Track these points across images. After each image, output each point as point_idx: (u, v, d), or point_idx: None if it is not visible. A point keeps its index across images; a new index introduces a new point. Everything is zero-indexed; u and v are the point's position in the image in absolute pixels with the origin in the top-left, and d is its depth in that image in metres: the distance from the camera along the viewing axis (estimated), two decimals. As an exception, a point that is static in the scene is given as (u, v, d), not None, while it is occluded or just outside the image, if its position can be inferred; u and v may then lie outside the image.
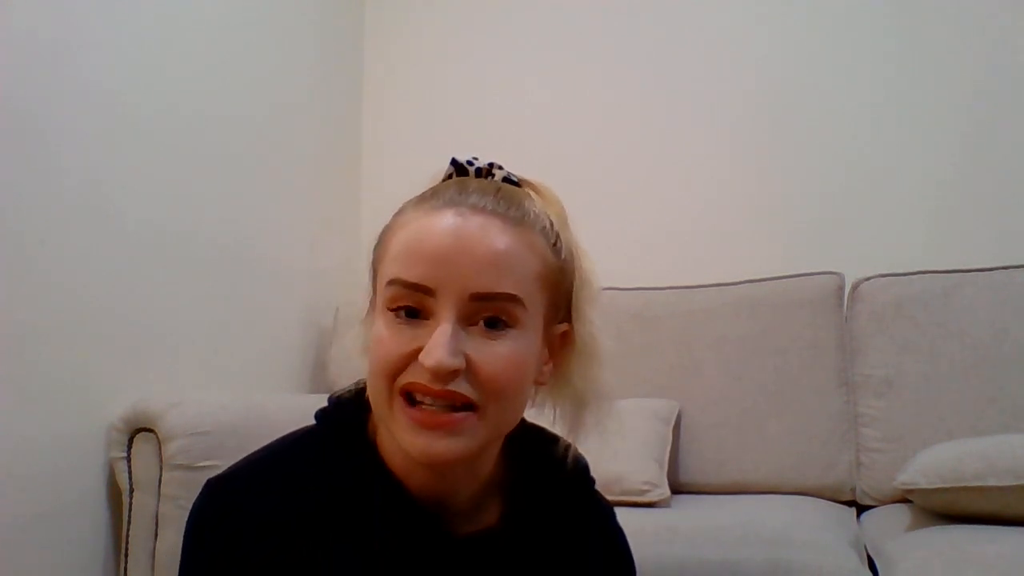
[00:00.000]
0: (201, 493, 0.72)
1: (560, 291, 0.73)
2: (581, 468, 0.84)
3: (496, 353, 0.67)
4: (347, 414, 0.77)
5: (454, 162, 0.76)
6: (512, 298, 0.68)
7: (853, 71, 2.25)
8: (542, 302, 0.71)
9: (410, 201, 0.74)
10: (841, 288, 1.99)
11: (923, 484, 1.43)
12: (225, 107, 2.05)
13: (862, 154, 2.22)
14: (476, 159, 0.76)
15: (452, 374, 0.65)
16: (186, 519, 0.72)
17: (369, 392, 0.71)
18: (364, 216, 2.60)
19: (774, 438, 1.90)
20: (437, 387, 0.65)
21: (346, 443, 0.74)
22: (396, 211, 0.75)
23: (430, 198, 0.72)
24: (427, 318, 0.67)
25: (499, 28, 2.61)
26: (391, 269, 0.69)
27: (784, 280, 2.03)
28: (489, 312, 0.67)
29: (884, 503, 1.78)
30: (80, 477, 1.60)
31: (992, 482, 1.37)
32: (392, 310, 0.68)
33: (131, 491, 1.59)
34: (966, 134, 2.13)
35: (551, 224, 0.73)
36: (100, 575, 1.62)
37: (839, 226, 2.21)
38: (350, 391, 0.79)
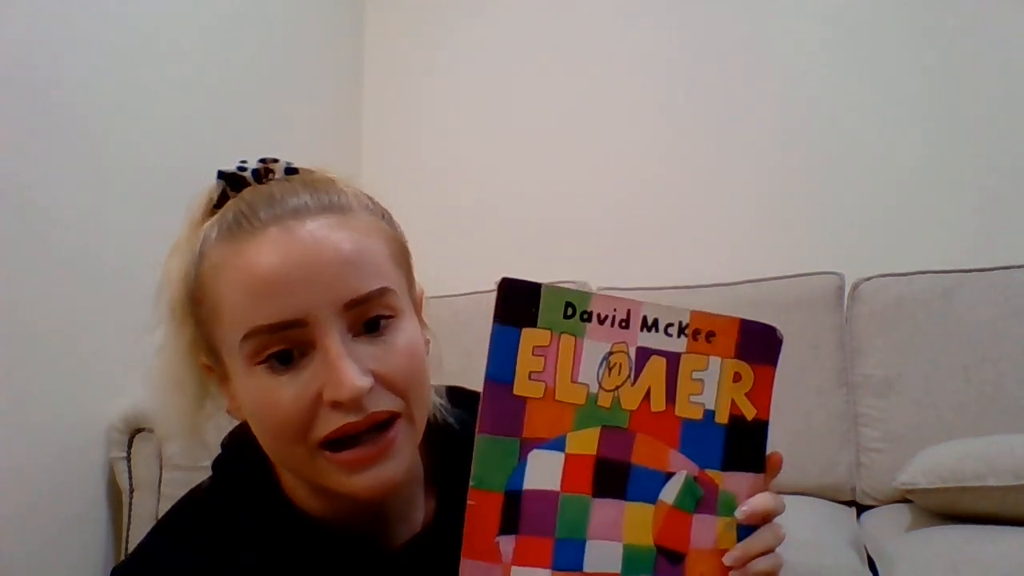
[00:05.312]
0: None
1: (408, 259, 0.68)
2: (465, 397, 0.75)
3: (394, 351, 0.61)
4: (246, 463, 0.68)
5: (222, 175, 0.65)
6: (384, 291, 0.61)
7: (853, 71, 2.24)
8: (404, 279, 0.66)
9: (205, 241, 0.62)
10: (841, 288, 1.99)
11: (923, 484, 1.43)
12: (225, 107, 2.05)
13: (862, 154, 2.22)
14: (246, 162, 0.65)
15: (367, 393, 0.59)
16: None
17: (274, 457, 0.63)
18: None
19: (774, 438, 1.89)
20: (362, 418, 0.59)
21: (252, 503, 0.67)
22: (193, 258, 0.62)
23: (236, 226, 0.61)
24: (306, 354, 0.59)
25: (500, 28, 2.60)
26: (239, 320, 0.59)
27: (784, 280, 2.02)
28: (369, 314, 0.61)
29: (884, 503, 1.78)
30: (80, 477, 1.60)
31: (992, 482, 1.37)
32: (260, 363, 0.59)
33: (131, 491, 1.59)
34: (966, 134, 2.13)
35: (369, 198, 0.67)
36: (100, 575, 1.62)
37: (839, 226, 2.21)
38: (243, 432, 0.68)
